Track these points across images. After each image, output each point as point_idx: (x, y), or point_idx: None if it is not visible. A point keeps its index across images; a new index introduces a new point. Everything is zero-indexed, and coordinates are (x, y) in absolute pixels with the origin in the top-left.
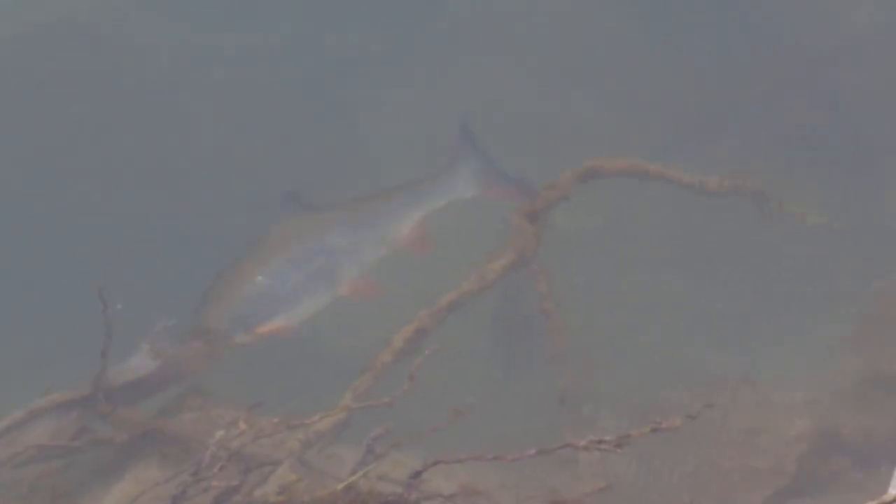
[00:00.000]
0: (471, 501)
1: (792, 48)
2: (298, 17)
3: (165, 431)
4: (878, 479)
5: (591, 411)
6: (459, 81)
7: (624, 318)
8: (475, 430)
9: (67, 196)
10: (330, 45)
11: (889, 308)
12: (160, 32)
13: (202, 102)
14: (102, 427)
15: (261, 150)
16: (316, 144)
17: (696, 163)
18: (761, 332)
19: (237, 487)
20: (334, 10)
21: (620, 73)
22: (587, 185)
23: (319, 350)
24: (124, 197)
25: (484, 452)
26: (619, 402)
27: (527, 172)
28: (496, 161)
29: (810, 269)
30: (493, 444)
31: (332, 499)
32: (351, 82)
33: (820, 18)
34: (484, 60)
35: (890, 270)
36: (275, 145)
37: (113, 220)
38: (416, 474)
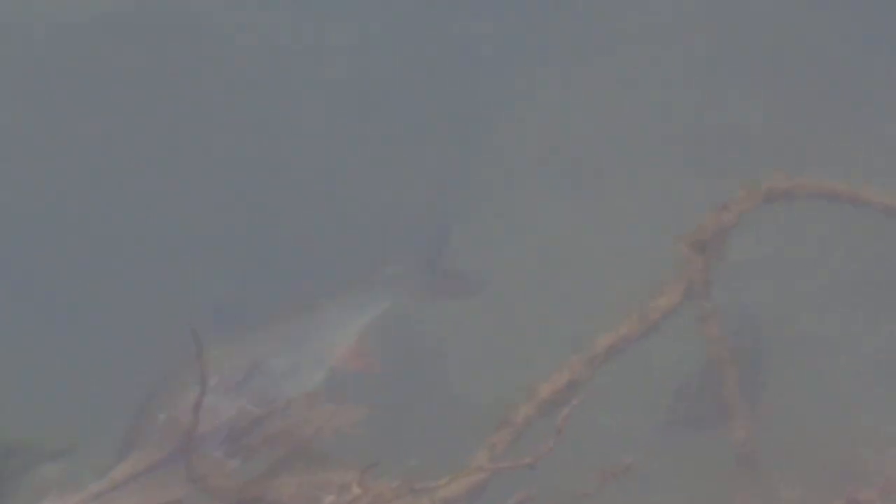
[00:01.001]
0: None
1: None
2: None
3: (265, 499)
4: None
5: (769, 475)
6: (598, 79)
7: (804, 361)
8: (633, 497)
9: (147, 195)
10: (455, 36)
11: None
12: (259, 22)
13: (312, 100)
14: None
15: (373, 156)
16: (441, 147)
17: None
18: None
19: None
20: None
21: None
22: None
23: (449, 398)
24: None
25: None
26: (804, 463)
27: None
28: (434, 256)
29: None
30: None
31: None
32: (480, 79)
33: None
34: (631, 53)
35: None
36: (391, 148)
37: (198, 220)
38: None
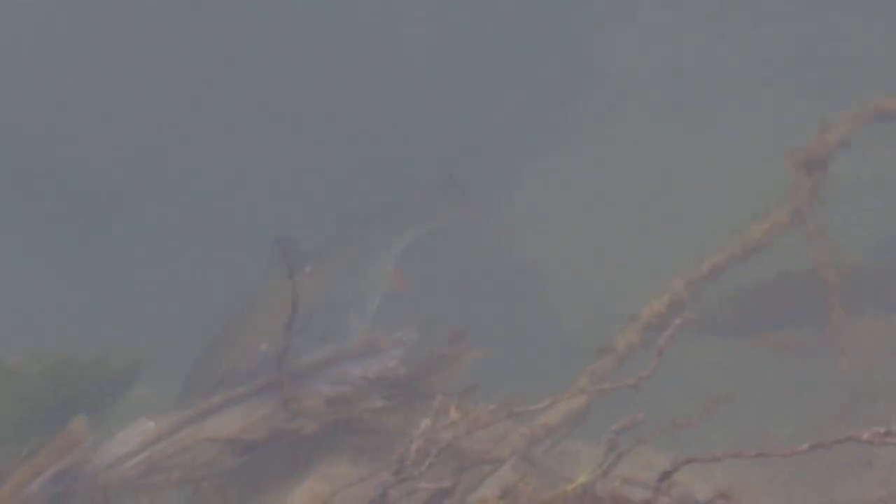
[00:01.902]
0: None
1: None
2: None
3: (361, 421)
4: None
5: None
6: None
7: None
8: (737, 424)
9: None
10: None
11: None
12: None
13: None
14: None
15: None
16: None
17: None
18: None
19: (449, 490)
20: None
21: None
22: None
23: (551, 322)
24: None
25: (746, 449)
26: None
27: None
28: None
29: None
30: (758, 439)
31: None
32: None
33: None
34: None
35: None
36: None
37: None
38: (666, 475)
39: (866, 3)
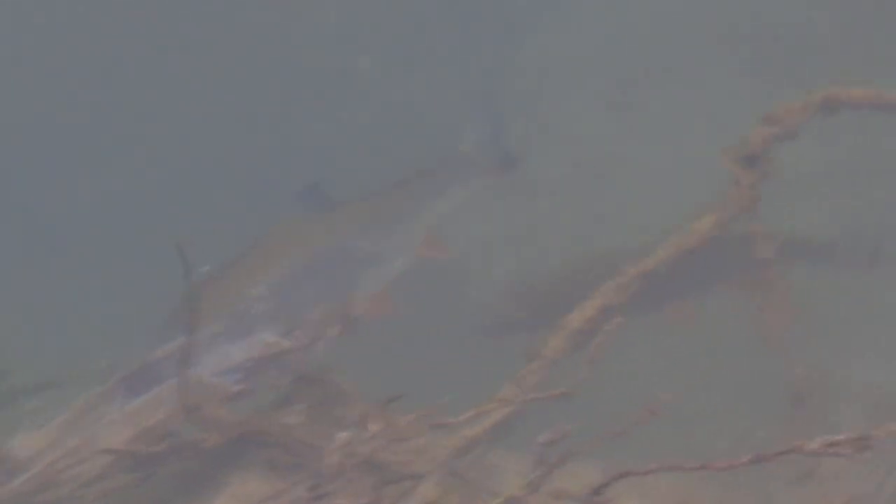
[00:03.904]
0: None
1: None
2: None
3: (271, 433)
4: None
5: (831, 412)
6: None
7: (870, 282)
8: (674, 434)
9: None
10: None
11: None
12: None
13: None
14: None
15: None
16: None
17: None
18: None
19: None
20: None
21: None
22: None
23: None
24: None
25: (684, 461)
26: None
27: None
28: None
29: None
30: (697, 450)
31: None
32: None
33: None
34: None
35: None
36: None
37: None
38: (599, 489)
39: None
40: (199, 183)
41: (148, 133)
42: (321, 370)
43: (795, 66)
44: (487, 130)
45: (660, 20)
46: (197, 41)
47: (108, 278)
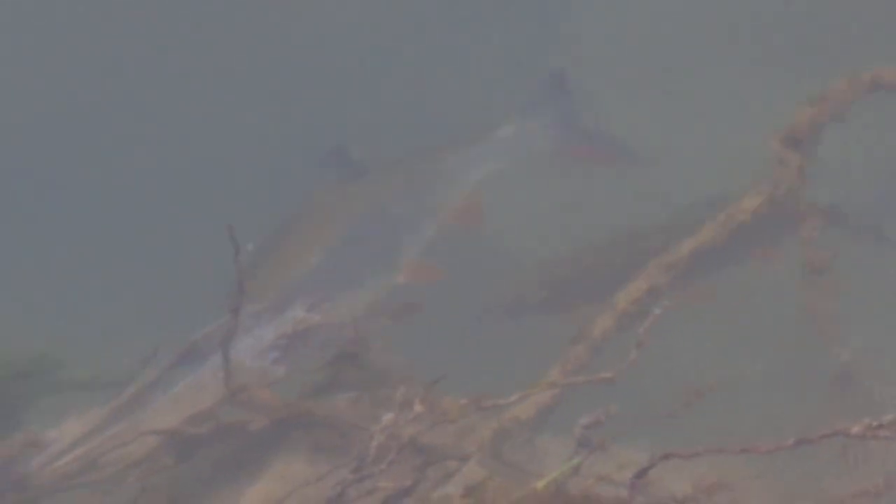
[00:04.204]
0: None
1: None
2: None
3: (316, 415)
4: None
5: (878, 392)
6: None
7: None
8: (719, 416)
9: None
10: None
11: None
12: None
13: None
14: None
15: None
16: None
17: None
18: None
19: (411, 488)
20: None
21: None
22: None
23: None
24: None
25: (729, 444)
26: None
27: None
28: (579, 113)
29: None
30: (741, 433)
31: (532, 503)
32: None
33: None
34: None
35: None
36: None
37: None
38: (642, 472)
39: None
40: (211, 176)
41: (151, 131)
42: (365, 349)
43: (828, 54)
44: (550, 107)
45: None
46: (207, 39)
47: (108, 279)
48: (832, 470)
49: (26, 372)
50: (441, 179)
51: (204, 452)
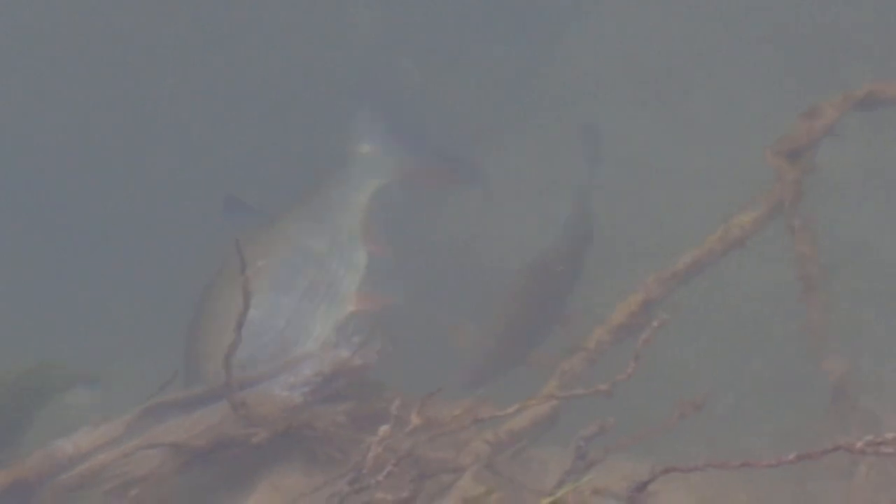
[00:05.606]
0: None
1: None
2: None
3: (313, 427)
4: None
5: (875, 406)
6: None
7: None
8: (719, 429)
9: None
10: None
11: None
12: None
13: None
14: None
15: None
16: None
17: None
18: None
19: (408, 500)
20: None
21: None
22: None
23: None
24: None
25: (729, 458)
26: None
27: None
28: (418, 135)
29: None
30: (741, 447)
31: None
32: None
33: None
34: None
35: None
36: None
37: None
38: (642, 486)
39: None
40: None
41: (163, 132)
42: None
43: (837, 66)
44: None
45: (698, 19)
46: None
47: (108, 278)
48: (829, 487)
49: (27, 387)
50: (336, 209)
51: (204, 464)
